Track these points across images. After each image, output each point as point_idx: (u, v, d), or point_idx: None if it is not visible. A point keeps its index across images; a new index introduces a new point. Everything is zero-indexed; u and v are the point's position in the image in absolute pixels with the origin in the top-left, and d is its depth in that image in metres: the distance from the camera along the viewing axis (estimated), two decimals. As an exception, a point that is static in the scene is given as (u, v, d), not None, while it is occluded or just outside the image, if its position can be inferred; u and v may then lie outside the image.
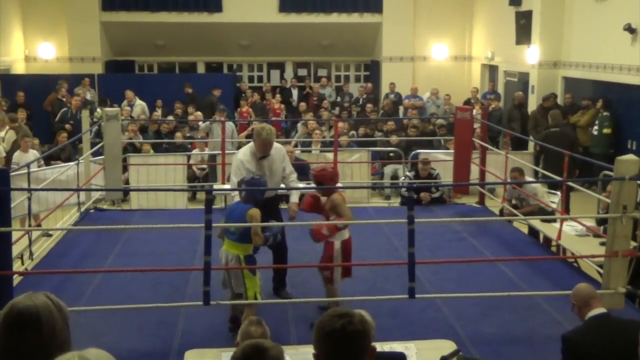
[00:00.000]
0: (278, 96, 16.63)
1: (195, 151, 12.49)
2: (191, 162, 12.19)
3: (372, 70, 19.24)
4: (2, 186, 5.62)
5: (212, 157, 12.10)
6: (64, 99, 14.53)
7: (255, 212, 5.51)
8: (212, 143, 12.17)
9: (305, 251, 6.93)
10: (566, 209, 8.42)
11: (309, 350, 2.21)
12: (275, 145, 6.54)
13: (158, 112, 15.11)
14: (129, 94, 14.84)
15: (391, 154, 12.24)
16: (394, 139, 12.44)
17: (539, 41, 14.14)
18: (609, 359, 3.87)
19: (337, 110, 16.18)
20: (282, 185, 6.65)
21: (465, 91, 17.01)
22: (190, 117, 13.87)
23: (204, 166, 12.32)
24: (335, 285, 5.92)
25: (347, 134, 12.85)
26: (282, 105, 16.21)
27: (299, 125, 13.90)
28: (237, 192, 5.96)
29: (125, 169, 10.75)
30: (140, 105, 14.85)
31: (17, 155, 10.00)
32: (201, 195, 10.98)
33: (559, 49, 14.02)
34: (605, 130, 11.85)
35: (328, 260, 5.89)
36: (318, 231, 5.81)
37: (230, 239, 5.63)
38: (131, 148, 12.11)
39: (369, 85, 17.65)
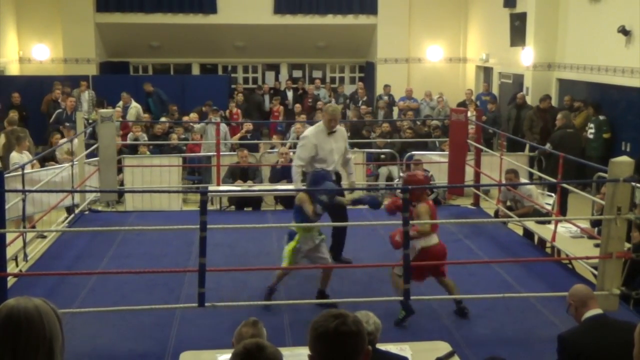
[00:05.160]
0: (265, 100, 16.64)
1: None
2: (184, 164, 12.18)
3: (367, 72, 19.25)
4: (-4, 188, 5.60)
5: (207, 159, 12.12)
6: (59, 100, 14.50)
7: (301, 195, 6.34)
8: (207, 144, 12.17)
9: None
10: (564, 211, 8.43)
11: (303, 352, 2.21)
12: (339, 126, 7.37)
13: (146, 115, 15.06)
14: (125, 96, 14.77)
15: (382, 156, 12.25)
16: (379, 141, 12.48)
17: (534, 43, 14.17)
18: (604, 360, 3.88)
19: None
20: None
21: (460, 93, 17.04)
22: (185, 118, 13.86)
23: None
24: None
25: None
26: (281, 107, 16.19)
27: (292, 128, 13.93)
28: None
29: (120, 170, 10.74)
30: (135, 107, 14.77)
31: (15, 157, 9.92)
32: (196, 197, 10.98)
33: (553, 51, 14.06)
34: (605, 135, 11.86)
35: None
36: (392, 237, 5.97)
37: None
38: (127, 150, 12.08)
39: (360, 84, 17.65)
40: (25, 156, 9.87)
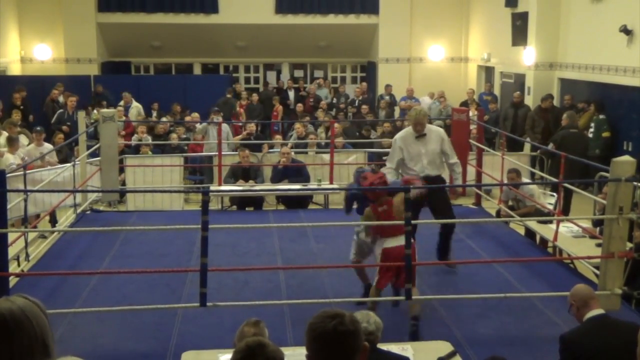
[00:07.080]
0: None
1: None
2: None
3: (369, 72, 19.25)
4: (-2, 188, 5.61)
5: (209, 159, 12.12)
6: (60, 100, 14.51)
7: None
8: (209, 145, 12.18)
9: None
10: (566, 210, 8.41)
11: (305, 352, 2.21)
12: (433, 127, 7.35)
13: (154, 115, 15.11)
14: (126, 96, 14.80)
15: (384, 157, 12.22)
16: (384, 141, 12.47)
17: (535, 42, 14.16)
18: (607, 360, 3.88)
19: (333, 112, 16.17)
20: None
21: (462, 92, 17.03)
22: (187, 118, 13.88)
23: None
24: (372, 289, 5.84)
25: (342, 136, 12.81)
26: (280, 107, 16.19)
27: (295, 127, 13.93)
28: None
29: (121, 170, 10.74)
30: (136, 107, 14.80)
31: (6, 157, 9.88)
32: (197, 197, 10.98)
33: (555, 51, 14.04)
34: (605, 134, 11.84)
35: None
36: None
37: None
38: (129, 150, 12.08)
39: (363, 84, 17.62)
40: (19, 157, 9.84)
